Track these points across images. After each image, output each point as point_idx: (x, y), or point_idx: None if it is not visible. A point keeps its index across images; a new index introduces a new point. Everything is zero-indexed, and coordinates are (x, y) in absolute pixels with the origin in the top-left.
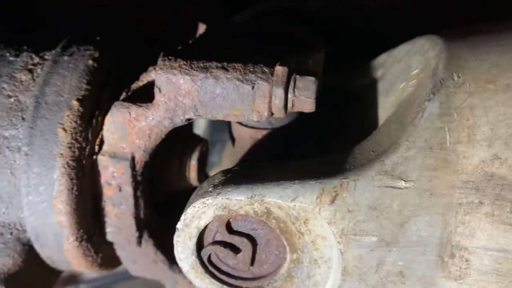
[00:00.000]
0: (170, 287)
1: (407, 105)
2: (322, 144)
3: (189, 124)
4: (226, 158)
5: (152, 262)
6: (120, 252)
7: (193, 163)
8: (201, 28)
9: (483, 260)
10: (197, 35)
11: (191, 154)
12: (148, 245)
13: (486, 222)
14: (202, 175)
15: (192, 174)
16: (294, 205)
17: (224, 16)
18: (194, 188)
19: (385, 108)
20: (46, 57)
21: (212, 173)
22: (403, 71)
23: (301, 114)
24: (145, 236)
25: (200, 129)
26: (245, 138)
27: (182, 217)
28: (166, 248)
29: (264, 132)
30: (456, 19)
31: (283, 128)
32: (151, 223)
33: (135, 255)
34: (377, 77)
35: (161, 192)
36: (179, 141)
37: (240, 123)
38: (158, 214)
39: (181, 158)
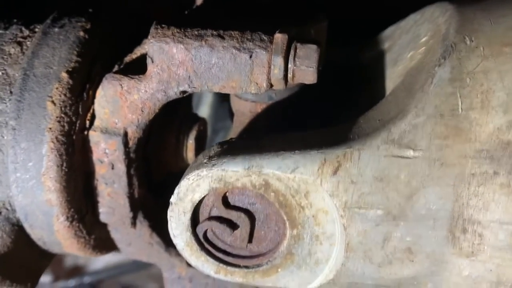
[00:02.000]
0: (167, 270)
1: (416, 72)
2: (326, 119)
3: (187, 102)
4: None
5: (147, 244)
6: (114, 234)
7: (191, 142)
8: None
9: (498, 235)
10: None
11: (188, 132)
12: (143, 226)
13: (501, 193)
14: None
15: (190, 153)
16: (294, 176)
17: None
18: None
19: (393, 78)
20: (36, 29)
21: None
22: (411, 41)
23: (303, 87)
24: (140, 217)
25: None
26: (244, 112)
27: (176, 190)
28: (162, 230)
29: (264, 106)
30: None
31: (284, 101)
32: (146, 204)
33: (130, 237)
34: (385, 49)
35: (157, 172)
36: (175, 120)
37: (239, 97)
38: (155, 195)
39: (178, 136)
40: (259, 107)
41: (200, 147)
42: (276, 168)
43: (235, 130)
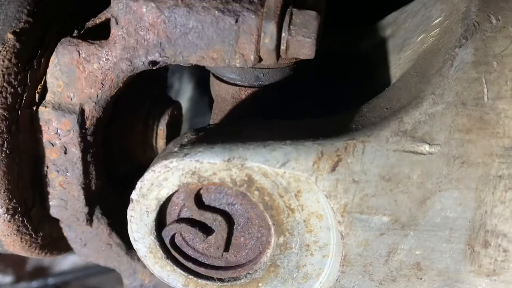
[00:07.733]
0: (127, 276)
1: (430, 55)
2: (320, 111)
3: (159, 82)
4: None
5: (105, 245)
6: (67, 232)
7: (161, 129)
8: None
9: None
10: None
11: (159, 117)
12: (100, 224)
13: None
14: None
15: (160, 141)
16: (284, 172)
17: None
18: None
19: (400, 64)
20: None
21: None
22: (420, 24)
23: (295, 71)
24: (97, 213)
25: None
26: (225, 97)
27: (138, 185)
28: (123, 230)
29: (249, 91)
30: None
31: (273, 86)
32: (106, 198)
33: (85, 236)
34: (387, 36)
35: (122, 164)
36: (145, 102)
37: (220, 78)
38: (118, 191)
39: (147, 121)
40: (243, 93)
41: (173, 135)
42: (262, 161)
43: (214, 118)
